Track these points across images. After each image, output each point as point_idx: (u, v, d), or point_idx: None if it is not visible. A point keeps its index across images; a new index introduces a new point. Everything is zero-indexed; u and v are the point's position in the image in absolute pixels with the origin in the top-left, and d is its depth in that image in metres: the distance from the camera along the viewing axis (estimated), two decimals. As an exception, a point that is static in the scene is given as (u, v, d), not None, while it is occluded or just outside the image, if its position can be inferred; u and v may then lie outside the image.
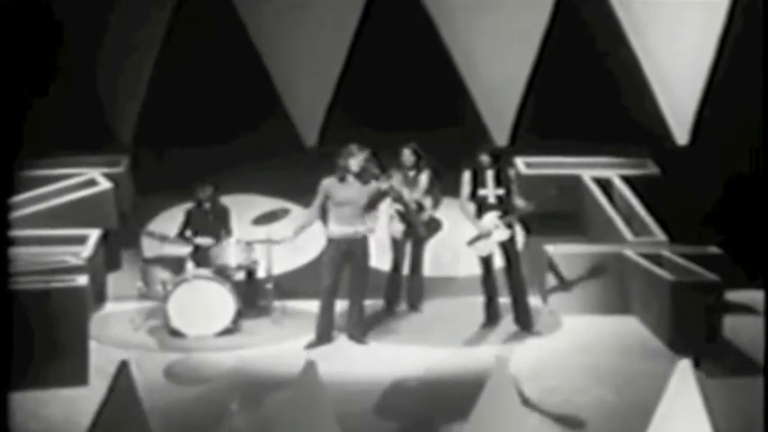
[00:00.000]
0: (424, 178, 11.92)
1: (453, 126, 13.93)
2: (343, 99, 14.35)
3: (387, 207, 11.77)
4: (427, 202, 11.97)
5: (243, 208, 12.86)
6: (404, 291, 12.16)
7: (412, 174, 11.90)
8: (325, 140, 14.23)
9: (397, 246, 11.96)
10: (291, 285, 12.24)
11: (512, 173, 11.43)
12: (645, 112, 14.28)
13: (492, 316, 11.36)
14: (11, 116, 7.50)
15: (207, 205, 11.79)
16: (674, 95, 14.28)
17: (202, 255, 11.53)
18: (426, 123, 13.50)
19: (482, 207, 11.20)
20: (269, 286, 11.64)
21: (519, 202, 11.25)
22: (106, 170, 14.01)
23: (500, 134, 14.41)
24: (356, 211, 10.55)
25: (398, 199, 11.72)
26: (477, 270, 12.33)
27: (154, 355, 10.65)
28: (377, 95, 14.00)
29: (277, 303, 11.69)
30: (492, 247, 11.15)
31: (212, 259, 11.30)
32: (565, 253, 12.33)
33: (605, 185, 14.04)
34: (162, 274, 11.29)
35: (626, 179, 14.11)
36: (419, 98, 14.01)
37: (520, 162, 14.08)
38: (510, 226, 11.18)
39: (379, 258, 11.70)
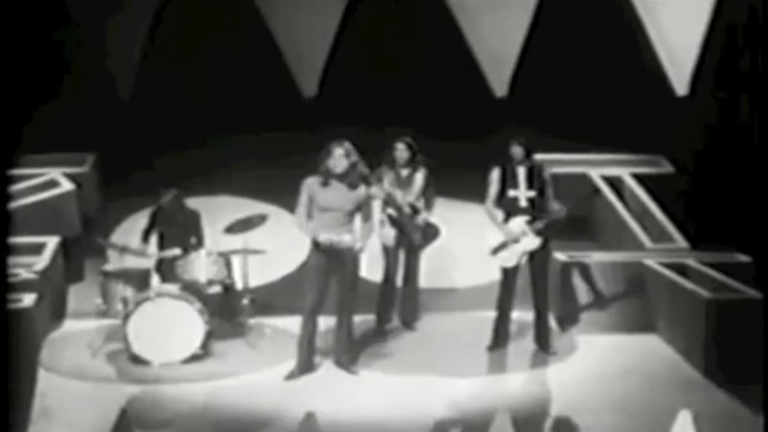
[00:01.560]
0: (419, 178, 10.30)
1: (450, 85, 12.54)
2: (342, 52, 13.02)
3: (377, 211, 10.12)
4: (421, 204, 10.31)
5: (216, 212, 11.17)
6: (397, 305, 10.53)
7: (405, 172, 10.29)
8: (325, 89, 12.95)
9: (388, 254, 10.35)
10: (270, 299, 10.60)
11: (548, 172, 9.73)
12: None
13: (501, 337, 9.75)
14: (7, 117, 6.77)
15: (169, 209, 10.08)
16: (672, 46, 12.99)
17: (168, 267, 9.84)
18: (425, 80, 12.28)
19: (511, 211, 9.58)
20: (245, 302, 9.95)
21: (552, 206, 9.64)
22: (68, 170, 12.41)
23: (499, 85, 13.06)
24: (341, 218, 8.88)
25: (390, 202, 10.01)
26: (477, 281, 11.04)
27: (113, 388, 9.00)
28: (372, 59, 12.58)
29: (253, 322, 10.05)
30: (519, 256, 9.52)
31: (179, 274, 9.59)
32: (576, 261, 10.65)
33: (615, 185, 12.47)
34: (123, 289, 9.65)
35: (638, 178, 12.58)
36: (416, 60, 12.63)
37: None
38: (540, 233, 9.46)
39: (370, 268, 10.07)
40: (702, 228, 11.44)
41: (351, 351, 9.22)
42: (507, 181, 9.54)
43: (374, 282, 10.40)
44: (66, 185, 12.09)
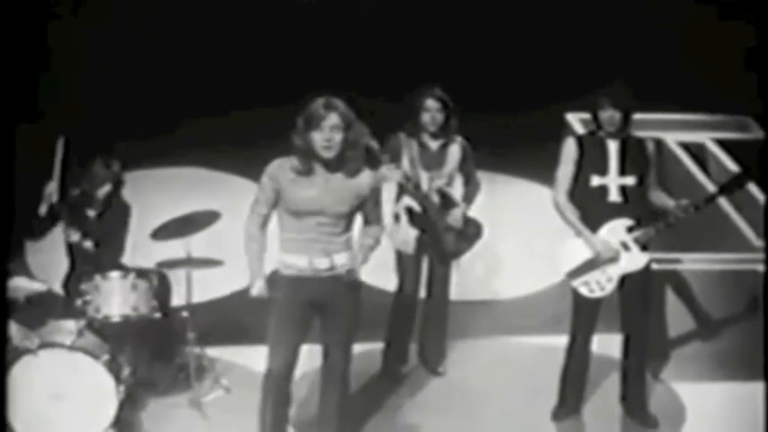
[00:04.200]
0: (454, 152, 6.69)
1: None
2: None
3: (391, 202, 6.62)
4: (457, 191, 6.74)
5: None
6: (415, 331, 6.86)
7: (435, 145, 6.68)
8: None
9: (405, 265, 6.75)
10: (223, 323, 6.96)
11: (651, 146, 6.09)
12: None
13: (571, 398, 6.10)
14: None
15: (100, 194, 6.47)
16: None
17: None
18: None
19: (596, 208, 5.93)
20: (189, 337, 6.38)
21: (662, 199, 6.04)
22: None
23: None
24: (331, 227, 5.24)
25: (411, 188, 6.51)
26: (522, 289, 7.69)
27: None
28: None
29: (202, 361, 6.57)
30: (613, 283, 5.92)
31: (80, 306, 5.98)
32: (669, 270, 7.11)
33: (697, 154, 9.07)
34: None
35: (723, 145, 9.13)
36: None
37: (573, 120, 8.85)
38: (646, 246, 5.90)
39: (377, 273, 6.18)
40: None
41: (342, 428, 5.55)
42: (589, 160, 5.94)
43: (384, 290, 6.82)
44: None
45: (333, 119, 5.12)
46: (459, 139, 6.70)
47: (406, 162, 6.52)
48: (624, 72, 8.22)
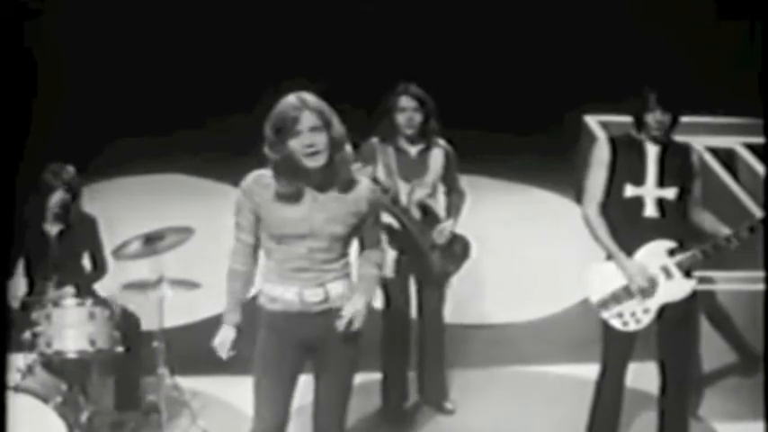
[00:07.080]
0: (436, 158, 5.81)
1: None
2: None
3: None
4: (439, 203, 5.87)
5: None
6: (412, 356, 5.95)
7: (414, 150, 5.80)
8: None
9: (390, 288, 5.81)
10: (201, 351, 6.09)
11: (696, 156, 5.18)
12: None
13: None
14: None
15: (54, 206, 5.55)
16: None
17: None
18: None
19: (628, 224, 5.01)
20: (161, 372, 5.51)
21: (708, 220, 5.11)
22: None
23: None
24: (324, 252, 4.27)
25: (392, 203, 5.66)
26: (543, 310, 6.83)
27: None
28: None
29: (177, 395, 5.68)
30: (651, 314, 5.00)
31: (27, 340, 5.09)
32: (706, 290, 6.38)
33: (726, 161, 8.30)
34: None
35: (754, 150, 8.27)
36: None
37: (591, 122, 8.09)
38: (690, 271, 5.02)
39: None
40: None
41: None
42: (623, 166, 5.03)
43: (374, 308, 5.88)
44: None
45: (309, 118, 4.08)
46: (441, 142, 5.82)
47: (381, 172, 5.66)
48: (640, 73, 7.51)
